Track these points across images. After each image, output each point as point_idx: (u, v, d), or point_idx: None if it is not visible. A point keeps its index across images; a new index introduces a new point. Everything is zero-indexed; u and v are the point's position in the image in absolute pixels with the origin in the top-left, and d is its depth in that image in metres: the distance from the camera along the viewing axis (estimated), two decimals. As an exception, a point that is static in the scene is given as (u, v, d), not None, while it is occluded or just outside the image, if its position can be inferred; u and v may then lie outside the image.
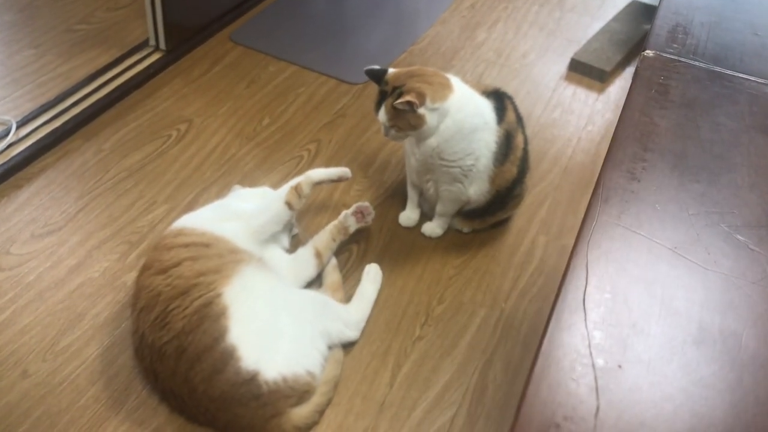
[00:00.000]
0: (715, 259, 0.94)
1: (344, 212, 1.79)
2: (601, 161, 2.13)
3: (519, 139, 1.76)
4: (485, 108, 1.71)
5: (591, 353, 0.80)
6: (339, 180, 1.79)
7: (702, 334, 0.85)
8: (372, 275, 1.73)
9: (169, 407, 1.45)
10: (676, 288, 0.91)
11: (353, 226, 1.79)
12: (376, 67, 1.69)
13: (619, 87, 2.52)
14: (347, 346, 1.59)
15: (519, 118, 1.79)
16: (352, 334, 1.60)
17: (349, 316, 1.61)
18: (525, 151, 1.79)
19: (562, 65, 2.59)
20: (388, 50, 2.56)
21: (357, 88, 2.38)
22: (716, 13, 1.48)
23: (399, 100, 1.57)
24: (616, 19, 2.79)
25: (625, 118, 1.18)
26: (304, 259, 1.70)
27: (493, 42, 2.69)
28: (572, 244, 1.84)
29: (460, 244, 1.89)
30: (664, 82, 1.26)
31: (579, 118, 2.36)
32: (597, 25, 2.77)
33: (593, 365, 0.79)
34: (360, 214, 1.79)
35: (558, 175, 2.13)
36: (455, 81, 1.68)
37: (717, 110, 1.22)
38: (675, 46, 1.37)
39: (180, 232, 1.55)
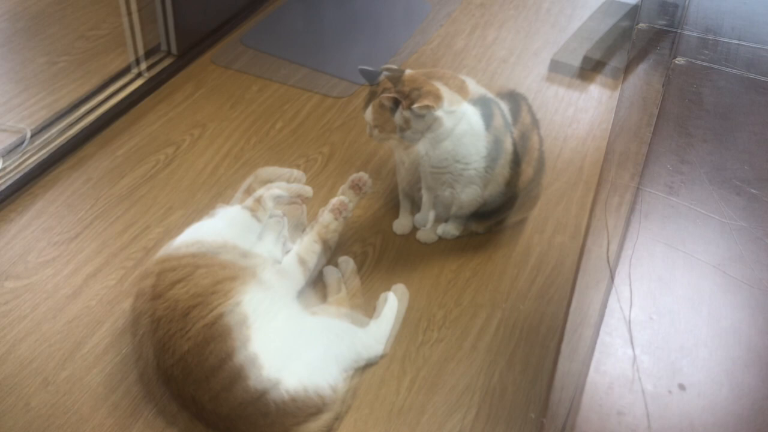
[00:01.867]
0: (760, 276, 0.92)
1: (341, 187, 1.76)
2: (588, 158, 2.20)
3: (534, 140, 1.78)
4: (497, 109, 1.73)
5: (621, 307, 0.79)
6: (304, 200, 1.71)
7: (727, 283, 0.85)
8: (392, 299, 1.69)
9: (177, 429, 1.43)
10: (722, 307, 0.88)
11: (354, 200, 1.74)
12: (369, 68, 1.71)
13: (601, 84, 2.54)
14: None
15: (534, 119, 1.81)
16: (378, 348, 1.59)
17: (373, 334, 1.60)
18: (540, 151, 1.81)
19: (542, 67, 2.62)
20: (380, 56, 2.56)
21: (342, 101, 2.39)
22: (745, 17, 1.45)
23: (419, 105, 1.58)
24: (592, 18, 2.82)
25: (659, 130, 1.14)
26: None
27: (473, 48, 2.71)
28: (567, 242, 1.88)
29: (457, 248, 1.89)
30: (697, 90, 1.24)
31: (563, 118, 2.38)
32: (574, 26, 2.81)
33: (625, 318, 0.79)
34: (356, 186, 1.75)
35: (548, 174, 2.13)
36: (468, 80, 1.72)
37: (753, 118, 1.19)
38: (706, 52, 1.34)
39: (184, 244, 1.55)
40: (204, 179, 2.05)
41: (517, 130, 1.73)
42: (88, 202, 1.95)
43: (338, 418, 1.46)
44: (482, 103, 1.76)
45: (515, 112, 1.74)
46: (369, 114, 1.65)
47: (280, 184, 1.69)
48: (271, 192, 1.64)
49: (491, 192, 1.77)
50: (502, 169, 1.75)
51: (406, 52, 2.66)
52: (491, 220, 1.88)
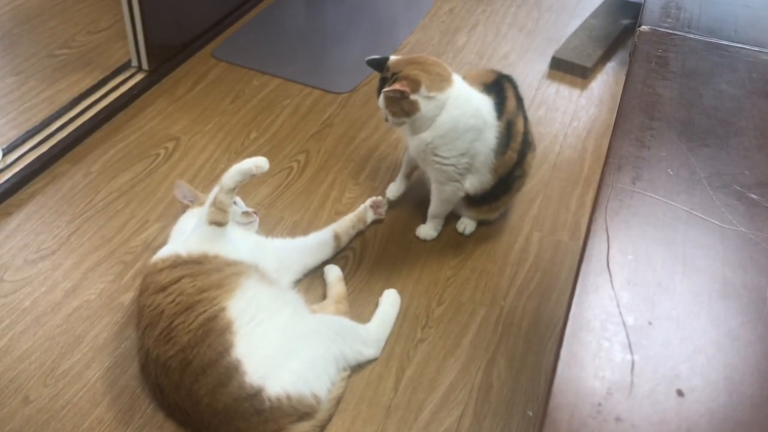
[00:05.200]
0: (731, 218, 0.97)
1: (363, 205, 1.91)
2: (589, 155, 2.20)
3: (519, 125, 1.76)
4: (483, 107, 1.69)
5: (620, 312, 0.81)
6: (256, 174, 1.52)
7: (726, 289, 0.87)
8: (391, 299, 1.70)
9: (175, 423, 1.44)
10: (696, 247, 0.93)
11: (371, 217, 1.91)
12: (377, 56, 1.71)
13: (602, 82, 2.54)
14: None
15: (519, 101, 1.78)
16: (371, 351, 1.58)
17: (369, 335, 1.60)
18: (525, 132, 1.78)
19: (543, 64, 2.61)
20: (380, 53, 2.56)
21: (342, 97, 2.39)
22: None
23: (387, 88, 1.59)
24: (594, 15, 2.82)
25: (628, 90, 1.20)
26: (323, 241, 1.80)
27: (474, 45, 2.71)
28: (566, 240, 1.89)
29: (455, 245, 1.89)
30: (663, 54, 1.29)
31: (564, 115, 2.37)
32: (575, 23, 2.80)
33: (624, 324, 0.81)
34: (375, 206, 1.91)
35: (547, 171, 2.14)
36: (456, 78, 1.68)
37: (717, 78, 1.25)
38: (669, 20, 1.40)
39: (160, 260, 1.54)
40: (204, 174, 2.06)
41: (503, 122, 1.71)
42: (88, 197, 1.95)
43: (331, 418, 1.47)
44: (495, 89, 1.73)
45: (500, 104, 1.71)
46: (381, 101, 1.66)
47: (231, 172, 1.52)
48: (226, 187, 1.52)
49: (499, 176, 1.77)
50: (511, 155, 1.75)
51: (407, 49, 2.65)
52: (485, 207, 1.88)
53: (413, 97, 1.60)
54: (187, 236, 1.59)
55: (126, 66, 2.40)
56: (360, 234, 1.89)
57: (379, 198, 1.92)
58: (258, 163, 1.52)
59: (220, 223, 1.53)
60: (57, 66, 2.42)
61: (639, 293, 0.85)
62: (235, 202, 1.74)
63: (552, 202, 2.04)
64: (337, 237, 1.81)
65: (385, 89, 1.60)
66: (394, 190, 1.96)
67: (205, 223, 1.54)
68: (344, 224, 1.84)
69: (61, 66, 2.42)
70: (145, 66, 2.37)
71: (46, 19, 2.64)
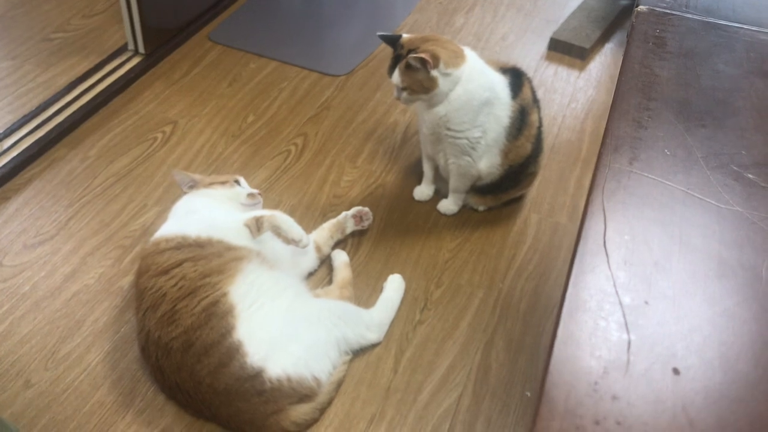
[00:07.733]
0: (728, 197, 0.97)
1: (344, 213, 1.83)
2: (587, 137, 2.20)
3: (534, 117, 1.79)
4: (498, 83, 1.72)
5: (617, 292, 0.82)
6: (295, 242, 1.60)
7: (722, 268, 0.87)
8: (396, 284, 1.71)
9: (175, 404, 1.45)
10: (692, 226, 0.93)
11: (350, 227, 1.84)
12: (388, 33, 1.72)
13: (600, 63, 2.53)
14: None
15: (535, 99, 1.82)
16: (374, 336, 1.59)
17: (372, 319, 1.60)
18: (539, 130, 1.82)
19: (541, 45, 2.60)
20: (367, 40, 2.55)
21: (340, 80, 2.38)
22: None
23: (413, 55, 1.59)
24: (592, -4, 2.80)
25: (626, 71, 1.19)
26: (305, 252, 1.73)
27: (472, 26, 2.69)
28: (564, 222, 1.89)
29: (454, 228, 1.90)
30: (660, 34, 1.29)
31: (562, 97, 2.37)
32: (574, 4, 2.78)
33: (620, 303, 0.81)
34: (359, 217, 1.84)
35: (545, 154, 2.14)
36: (469, 53, 1.71)
37: (715, 58, 1.25)
38: (667, 0, 1.39)
39: (164, 239, 1.55)
40: (202, 158, 2.06)
41: (517, 104, 1.73)
42: (86, 182, 1.95)
43: (331, 401, 1.48)
44: (512, 73, 1.77)
45: (516, 86, 1.74)
46: (396, 77, 1.66)
47: (287, 219, 1.62)
48: (274, 222, 1.60)
49: (510, 164, 1.79)
50: (523, 143, 1.77)
51: (404, 31, 2.64)
52: (490, 196, 1.89)
53: (433, 73, 1.61)
54: (209, 216, 1.60)
55: (122, 50, 2.39)
56: (340, 243, 1.83)
57: (365, 209, 1.85)
58: (304, 240, 1.60)
59: (250, 231, 1.58)
60: (53, 50, 2.41)
61: (635, 273, 0.85)
62: (238, 182, 1.76)
63: (550, 184, 2.04)
64: (318, 248, 1.76)
65: (411, 56, 1.60)
66: (419, 193, 1.97)
67: (241, 222, 1.58)
68: (323, 234, 1.79)
69: (57, 50, 2.41)
70: (141, 49, 2.37)
71: (40, 2, 2.63)
